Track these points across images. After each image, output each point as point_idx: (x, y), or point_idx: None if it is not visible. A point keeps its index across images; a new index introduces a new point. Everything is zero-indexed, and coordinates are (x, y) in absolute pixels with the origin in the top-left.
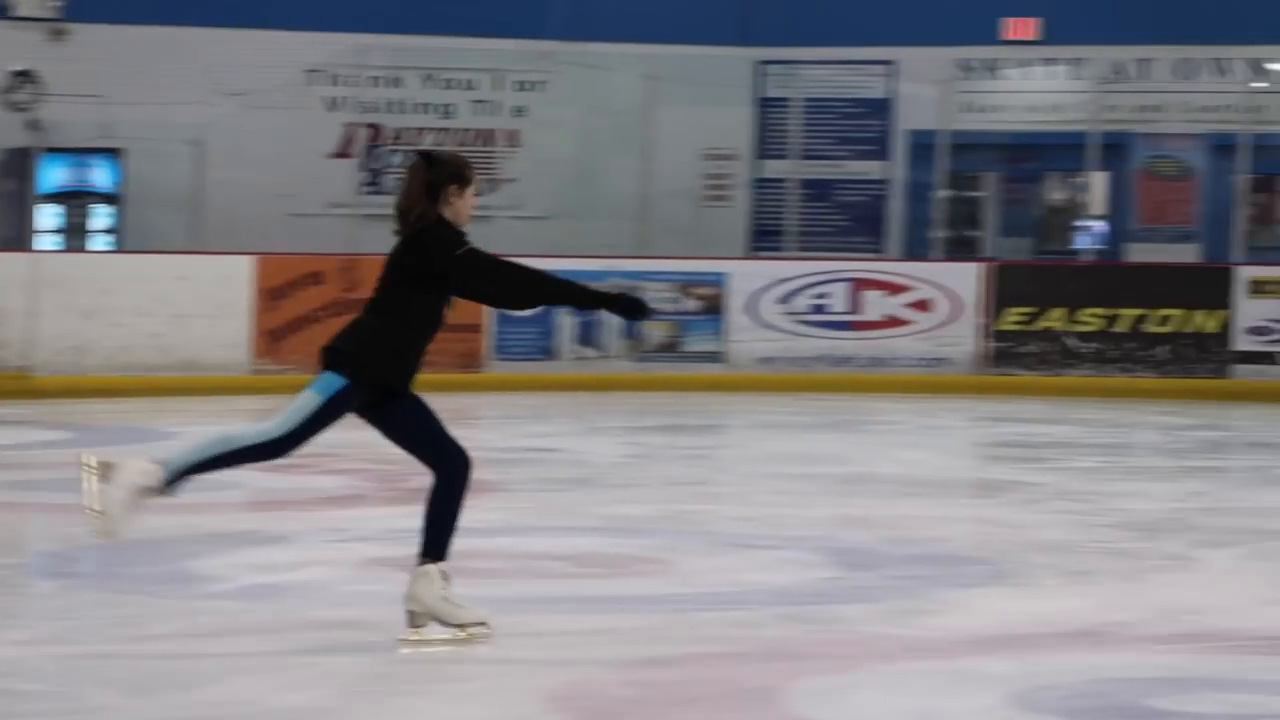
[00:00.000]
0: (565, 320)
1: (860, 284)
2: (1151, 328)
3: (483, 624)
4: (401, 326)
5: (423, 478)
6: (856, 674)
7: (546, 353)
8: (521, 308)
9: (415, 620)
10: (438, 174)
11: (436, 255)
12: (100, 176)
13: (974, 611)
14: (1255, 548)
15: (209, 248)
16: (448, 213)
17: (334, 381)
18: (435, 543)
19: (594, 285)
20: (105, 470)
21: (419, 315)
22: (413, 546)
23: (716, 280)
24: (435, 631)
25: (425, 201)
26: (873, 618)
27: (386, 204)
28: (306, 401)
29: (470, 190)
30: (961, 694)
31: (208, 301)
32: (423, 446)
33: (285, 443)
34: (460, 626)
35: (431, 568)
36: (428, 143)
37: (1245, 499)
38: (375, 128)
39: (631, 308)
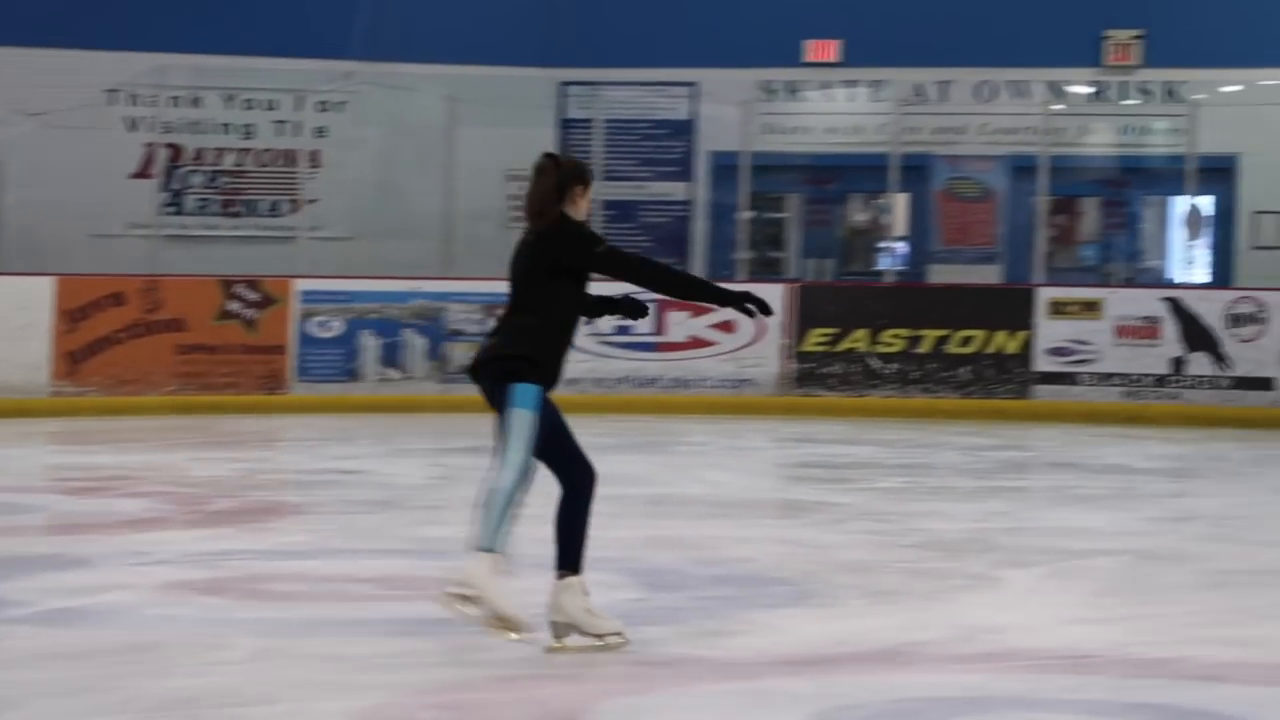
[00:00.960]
0: (369, 342)
1: (665, 305)
2: (953, 349)
3: (619, 634)
4: (557, 324)
5: (224, 500)
6: (660, 695)
7: (350, 374)
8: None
9: (559, 632)
10: (565, 175)
11: (578, 250)
12: None
13: (778, 632)
14: (1056, 567)
15: (8, 269)
16: (571, 211)
17: (531, 390)
18: (571, 554)
19: (725, 285)
20: (471, 598)
21: (567, 310)
22: (215, 570)
23: None
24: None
25: (555, 200)
26: (677, 639)
27: (187, 224)
28: (523, 422)
29: (590, 190)
30: (764, 714)
31: (7, 323)
32: (556, 452)
33: (532, 469)
34: (599, 636)
35: (573, 580)
36: (228, 164)
37: (1046, 519)
38: (176, 148)
39: (760, 306)
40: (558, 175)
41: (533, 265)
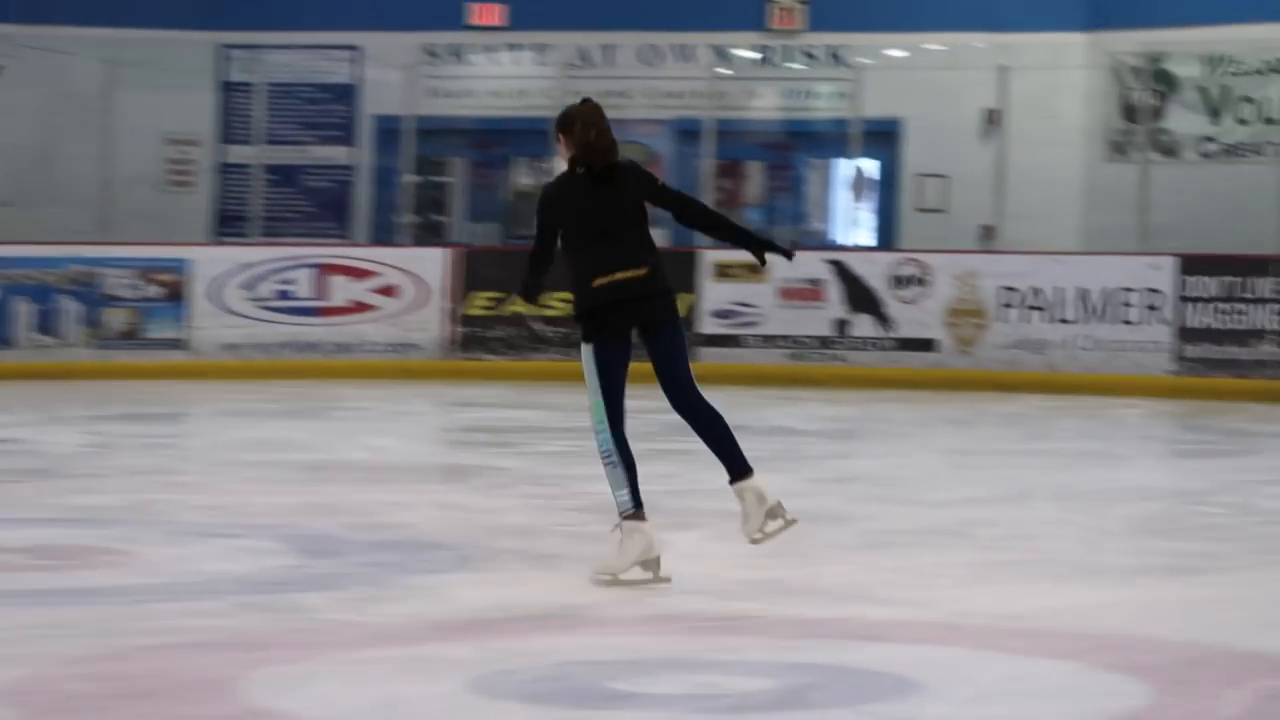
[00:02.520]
0: (22, 309)
1: (326, 269)
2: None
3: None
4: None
5: None
6: (317, 662)
7: (4, 341)
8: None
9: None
10: None
11: (654, 185)
12: None
13: (438, 597)
14: (719, 529)
15: None
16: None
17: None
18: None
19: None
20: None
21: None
22: None
23: (178, 266)
24: None
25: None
26: (336, 605)
27: None
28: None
29: None
30: (422, 680)
31: None
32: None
33: None
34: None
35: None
36: None
37: (710, 481)
38: None
39: (784, 253)
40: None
41: (631, 201)
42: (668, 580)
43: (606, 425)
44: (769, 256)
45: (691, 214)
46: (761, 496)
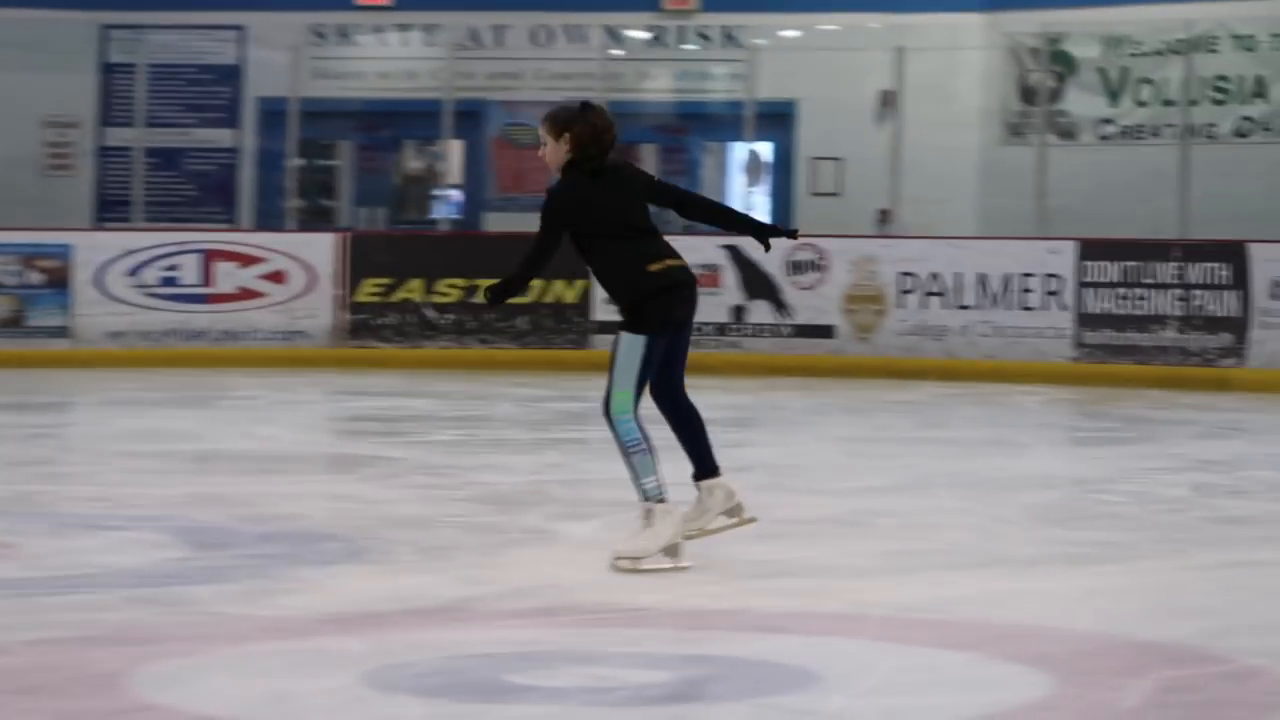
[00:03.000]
0: None
1: (213, 255)
2: (510, 299)
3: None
4: None
5: None
6: (207, 656)
7: None
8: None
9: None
10: None
11: (653, 182)
12: None
13: (329, 590)
14: (612, 519)
15: None
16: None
17: None
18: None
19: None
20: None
21: None
22: None
23: (61, 252)
24: None
25: None
26: (225, 598)
27: None
28: None
29: None
30: (314, 674)
31: None
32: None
33: None
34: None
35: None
36: None
37: (604, 471)
38: None
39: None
40: None
41: (641, 199)
42: (686, 568)
43: (633, 415)
44: (774, 240)
45: (693, 207)
46: (729, 492)
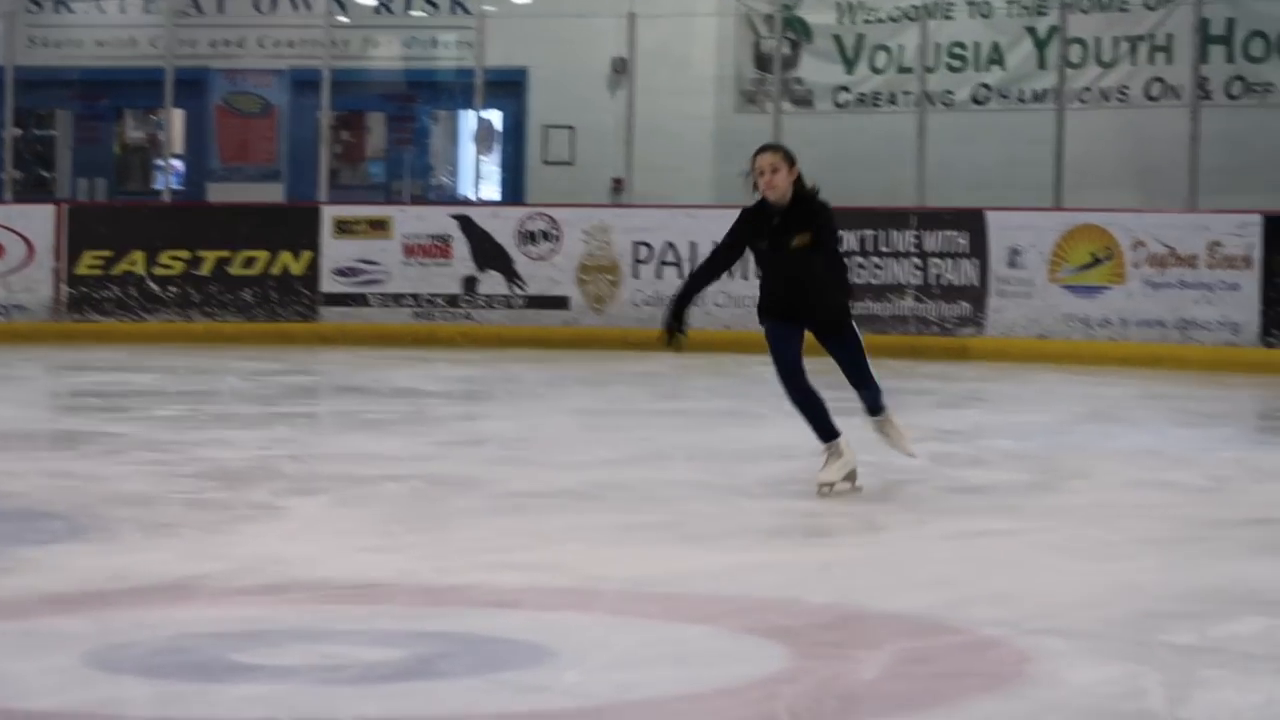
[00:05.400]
0: None
1: None
2: (236, 270)
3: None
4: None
5: None
6: None
7: None
8: None
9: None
10: None
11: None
12: None
13: (50, 569)
14: (343, 494)
15: None
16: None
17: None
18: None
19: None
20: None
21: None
22: None
23: None
24: None
25: None
26: None
27: None
28: None
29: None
30: (35, 655)
31: None
32: None
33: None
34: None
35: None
36: None
37: (334, 445)
38: None
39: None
40: None
41: None
42: (860, 489)
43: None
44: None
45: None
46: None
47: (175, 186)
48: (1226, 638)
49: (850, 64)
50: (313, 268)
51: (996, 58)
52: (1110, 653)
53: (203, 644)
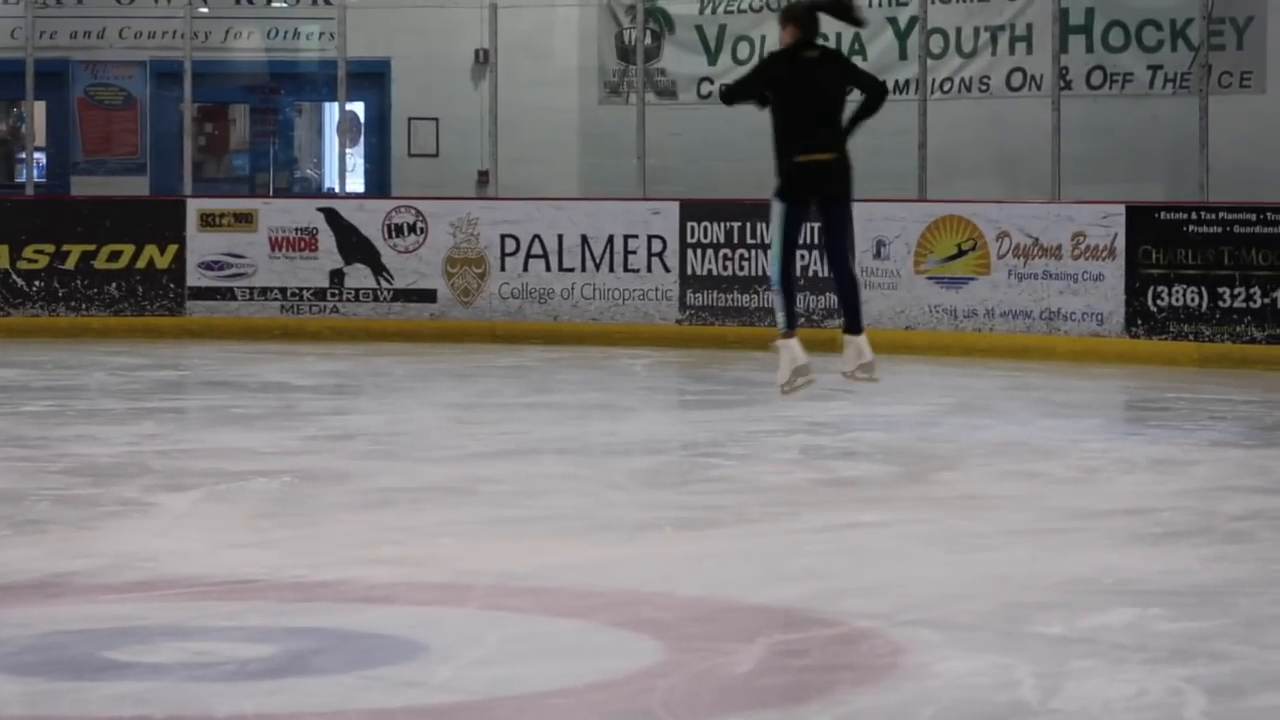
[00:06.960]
0: None
1: None
2: (101, 264)
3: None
4: None
5: None
6: None
7: None
8: None
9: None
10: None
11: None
12: None
13: None
14: (213, 489)
15: None
16: None
17: None
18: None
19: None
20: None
21: None
22: None
23: None
24: None
25: None
26: None
27: None
28: None
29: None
30: None
31: None
32: None
33: None
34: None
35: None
36: None
37: (203, 440)
38: None
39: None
40: None
41: (837, 81)
42: (812, 381)
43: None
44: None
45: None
46: (860, 351)
47: (38, 180)
48: (1096, 628)
49: (713, 55)
50: (178, 261)
51: (858, 48)
52: (981, 644)
53: (73, 641)
